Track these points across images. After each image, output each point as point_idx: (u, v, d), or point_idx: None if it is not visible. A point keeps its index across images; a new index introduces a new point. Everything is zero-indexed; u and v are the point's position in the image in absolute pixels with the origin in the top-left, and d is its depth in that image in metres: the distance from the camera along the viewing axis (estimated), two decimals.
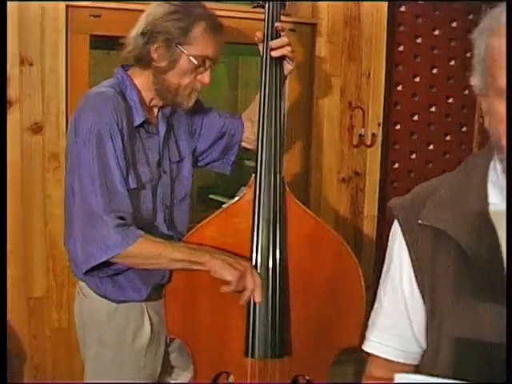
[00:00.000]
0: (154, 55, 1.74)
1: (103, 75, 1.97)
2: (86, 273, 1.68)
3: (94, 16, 2.23)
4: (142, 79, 1.80)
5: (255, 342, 1.77)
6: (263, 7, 1.88)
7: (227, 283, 1.69)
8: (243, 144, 2.09)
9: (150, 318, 1.85)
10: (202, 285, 1.78)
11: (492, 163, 1.11)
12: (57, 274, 2.29)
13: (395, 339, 1.20)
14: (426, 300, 1.13)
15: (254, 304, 1.76)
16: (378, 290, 1.25)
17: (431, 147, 2.93)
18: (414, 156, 2.91)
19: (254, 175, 1.81)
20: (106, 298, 1.81)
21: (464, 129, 2.96)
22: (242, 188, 1.87)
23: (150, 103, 1.83)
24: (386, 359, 1.21)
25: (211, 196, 3.47)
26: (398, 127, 2.86)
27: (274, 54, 1.81)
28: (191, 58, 1.72)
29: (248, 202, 1.79)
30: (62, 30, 2.18)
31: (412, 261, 1.14)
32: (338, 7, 2.55)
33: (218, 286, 1.72)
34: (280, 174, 1.79)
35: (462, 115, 2.94)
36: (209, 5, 2.16)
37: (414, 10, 2.78)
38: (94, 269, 1.67)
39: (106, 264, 1.67)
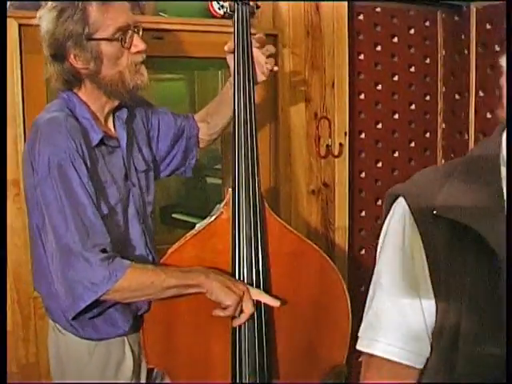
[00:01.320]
0: (78, 64, 1.58)
1: None
2: (74, 318, 1.54)
3: None
4: (86, 93, 1.65)
5: (242, 367, 1.67)
6: (231, 17, 1.77)
7: (223, 307, 1.58)
8: None
9: (131, 350, 1.72)
10: (181, 311, 1.67)
11: (502, 148, 1.02)
12: (22, 306, 2.12)
13: (404, 338, 1.06)
14: (439, 297, 1.02)
15: (240, 327, 1.66)
16: (374, 282, 1.13)
17: (396, 154, 2.88)
18: (379, 164, 2.86)
19: (229, 192, 1.71)
20: (87, 339, 1.66)
21: (427, 135, 2.92)
22: (218, 206, 1.76)
23: (104, 113, 1.69)
24: (390, 361, 1.06)
25: (174, 215, 3.34)
26: (362, 136, 2.80)
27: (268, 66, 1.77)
28: (109, 39, 1.56)
29: (226, 220, 1.70)
30: (15, 50, 2.03)
31: (426, 251, 1.03)
32: (299, 17, 2.49)
33: (199, 310, 1.63)
34: (259, 189, 1.70)
35: (424, 121, 2.90)
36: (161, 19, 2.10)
37: (371, 18, 2.73)
38: (79, 313, 1.53)
39: (92, 305, 1.52)
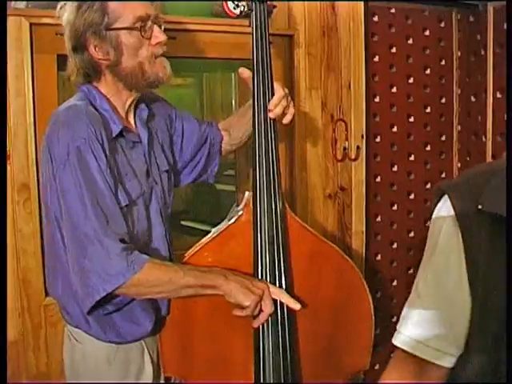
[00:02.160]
0: (98, 55, 1.55)
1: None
2: (89, 312, 1.47)
3: (61, 34, 1.97)
4: (106, 86, 1.61)
5: (266, 372, 1.59)
6: (247, 16, 1.70)
7: (242, 307, 1.51)
8: None
9: (151, 358, 1.64)
10: (198, 314, 1.60)
11: None
12: (33, 314, 2.03)
13: (432, 337, 1.03)
14: (475, 296, 0.99)
15: (263, 331, 1.59)
16: (416, 279, 1.10)
17: (412, 158, 2.81)
18: (395, 168, 2.77)
19: (249, 194, 1.65)
20: (108, 341, 1.58)
21: (443, 138, 2.84)
22: (235, 208, 1.69)
23: (125, 108, 1.64)
24: (418, 358, 1.04)
25: (183, 222, 3.26)
26: (377, 139, 2.72)
27: (271, 115, 1.66)
28: (129, 28, 1.53)
29: (246, 223, 1.63)
30: (26, 49, 1.95)
31: (466, 249, 0.99)
32: (314, 17, 2.42)
33: (217, 314, 1.56)
34: (279, 190, 1.63)
35: (440, 124, 2.83)
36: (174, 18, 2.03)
37: (386, 19, 2.66)
38: (94, 307, 1.45)
39: (108, 298, 1.46)
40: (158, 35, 1.56)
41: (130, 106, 1.64)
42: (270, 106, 1.64)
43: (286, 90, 1.70)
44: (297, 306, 1.58)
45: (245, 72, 1.70)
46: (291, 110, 1.71)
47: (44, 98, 2.00)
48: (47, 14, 1.93)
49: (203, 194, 1.99)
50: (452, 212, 1.01)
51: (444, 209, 1.04)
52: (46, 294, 2.01)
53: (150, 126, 1.70)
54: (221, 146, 1.93)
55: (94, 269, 1.41)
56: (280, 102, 1.65)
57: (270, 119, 1.65)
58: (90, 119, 1.48)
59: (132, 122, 1.66)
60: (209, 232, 1.70)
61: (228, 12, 2.17)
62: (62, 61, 2.04)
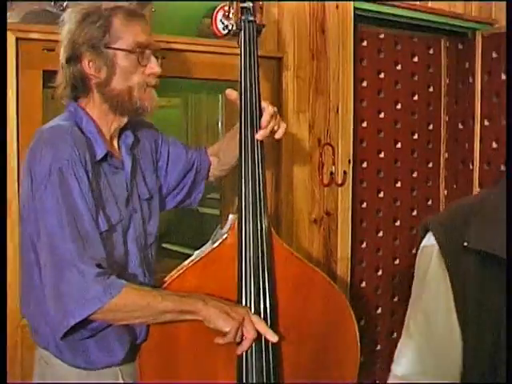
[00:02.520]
0: (90, 70, 1.57)
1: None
2: (63, 337, 1.46)
3: (48, 50, 2.01)
4: (92, 106, 1.62)
5: None
6: (235, 35, 1.74)
7: (223, 334, 1.52)
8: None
9: (124, 383, 1.63)
10: (180, 339, 1.60)
11: None
12: (8, 334, 2.01)
13: (425, 376, 1.05)
14: (467, 337, 0.99)
15: (247, 357, 1.61)
16: (407, 318, 1.11)
17: (398, 184, 2.88)
18: (381, 194, 2.84)
19: (233, 217, 1.67)
20: (76, 366, 1.58)
21: (430, 164, 2.91)
22: (219, 231, 1.71)
23: (110, 132, 1.65)
24: None
25: (164, 245, 3.28)
26: (364, 165, 2.79)
27: (261, 132, 1.69)
28: (126, 51, 1.56)
29: (230, 246, 1.64)
30: (11, 64, 1.98)
31: (453, 288, 1.00)
32: (304, 39, 2.47)
33: (200, 338, 1.57)
34: (266, 213, 1.65)
35: (427, 151, 2.90)
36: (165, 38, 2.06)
37: (375, 45, 2.74)
38: (68, 332, 1.45)
39: (83, 323, 1.45)
40: (154, 66, 1.60)
41: (115, 130, 1.66)
42: (262, 123, 1.68)
43: (275, 108, 1.73)
44: (274, 339, 1.59)
45: (232, 94, 1.73)
46: (282, 125, 1.75)
47: (28, 114, 2.01)
48: (35, 29, 1.97)
49: (185, 216, 2.01)
50: (437, 250, 1.02)
51: (429, 246, 1.04)
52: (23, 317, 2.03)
53: (134, 153, 1.72)
54: (208, 172, 1.96)
55: (70, 293, 1.42)
56: (271, 119, 1.69)
57: (257, 140, 1.68)
58: (74, 141, 1.49)
59: (116, 146, 1.68)
60: (190, 255, 1.72)
61: (216, 32, 2.21)
62: (47, 77, 2.09)
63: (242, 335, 1.56)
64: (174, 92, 2.96)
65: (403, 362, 1.08)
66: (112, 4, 1.58)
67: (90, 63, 1.56)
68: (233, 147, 1.82)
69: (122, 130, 1.69)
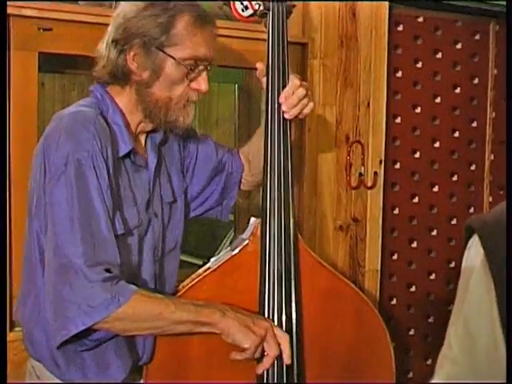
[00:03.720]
0: (133, 65, 1.59)
1: (57, 104, 1.81)
2: (60, 346, 1.49)
3: (44, 29, 2.07)
4: (124, 98, 1.65)
5: None
6: (263, 17, 1.75)
7: (241, 349, 1.55)
8: None
9: None
10: (192, 357, 1.63)
11: None
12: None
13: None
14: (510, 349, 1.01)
15: (267, 375, 1.64)
16: (449, 328, 1.12)
17: (435, 189, 2.89)
18: (415, 199, 2.85)
19: (255, 221, 1.71)
20: (69, 381, 1.60)
21: (473, 167, 2.92)
22: (240, 237, 1.75)
23: (136, 128, 1.69)
24: None
25: None
26: (397, 166, 2.81)
27: (288, 116, 1.70)
28: (178, 61, 1.58)
29: (252, 253, 1.68)
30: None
31: (498, 298, 1.01)
32: (332, 24, 2.51)
33: (214, 356, 1.60)
34: (293, 218, 1.68)
35: (469, 151, 2.91)
36: None
37: (412, 29, 2.76)
38: (67, 341, 1.47)
39: (85, 333, 1.48)
40: (202, 83, 1.62)
41: (143, 129, 1.70)
42: (282, 96, 1.69)
43: (305, 83, 1.74)
44: (287, 361, 1.61)
45: (259, 66, 1.74)
46: (310, 104, 1.74)
47: (22, 103, 2.05)
48: (29, 4, 2.00)
49: (192, 222, 2.02)
50: (482, 254, 1.03)
51: (474, 250, 1.05)
52: (11, 328, 2.06)
53: (160, 152, 1.75)
54: (241, 178, 1.97)
55: (73, 298, 1.44)
56: (294, 92, 1.69)
57: (286, 134, 1.70)
58: (97, 131, 1.51)
59: (142, 142, 1.72)
60: (199, 265, 1.74)
61: (236, 15, 2.23)
62: (44, 60, 2.12)
63: (263, 351, 1.59)
64: None
65: (441, 374, 1.09)
66: (183, 2, 1.59)
67: (135, 58, 1.58)
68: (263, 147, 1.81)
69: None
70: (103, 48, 1.62)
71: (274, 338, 1.58)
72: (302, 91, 1.70)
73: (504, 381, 1.04)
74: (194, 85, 1.61)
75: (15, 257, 1.99)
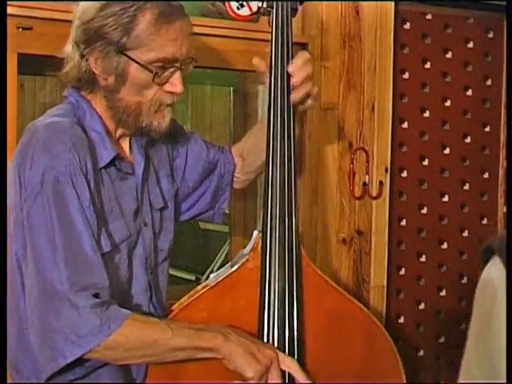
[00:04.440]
0: (96, 70, 1.59)
1: (37, 109, 1.81)
2: (49, 379, 1.48)
3: (24, 28, 2.06)
4: (99, 102, 1.65)
5: None
6: (264, 15, 1.77)
7: (242, 377, 1.54)
8: None
9: None
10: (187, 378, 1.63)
11: None
12: None
13: None
14: None
15: None
16: (465, 360, 1.15)
17: (445, 199, 2.90)
18: (424, 210, 2.87)
19: (257, 235, 1.71)
20: None
21: (486, 175, 2.94)
22: (240, 252, 1.78)
23: (116, 133, 1.69)
24: None
25: None
26: (404, 174, 2.82)
27: (294, 97, 1.71)
28: (144, 65, 1.56)
29: (252, 269, 1.69)
30: None
31: None
32: (334, 22, 2.53)
33: (213, 378, 1.60)
34: (296, 233, 1.70)
35: (482, 158, 2.92)
36: None
37: (420, 27, 2.78)
38: (56, 373, 1.47)
39: (74, 363, 1.47)
40: (176, 84, 1.60)
41: (123, 133, 1.70)
42: (291, 68, 1.70)
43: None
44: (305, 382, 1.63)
45: (261, 64, 1.75)
46: (315, 89, 1.76)
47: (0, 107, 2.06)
48: (9, 3, 1.99)
49: (185, 234, 2.02)
50: (503, 281, 1.05)
51: (496, 273, 1.08)
52: None
53: (147, 153, 1.76)
54: (233, 177, 1.99)
55: (59, 328, 1.44)
56: (303, 65, 1.71)
57: (290, 137, 1.71)
58: (73, 143, 1.51)
59: (126, 146, 1.72)
60: (190, 281, 1.75)
61: (231, 13, 2.25)
62: (24, 62, 2.13)
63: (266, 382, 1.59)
64: None
65: None
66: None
67: (97, 62, 1.57)
68: (260, 144, 1.82)
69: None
70: (69, 49, 1.62)
71: (277, 368, 1.58)
72: (310, 67, 1.72)
73: None
74: (167, 87, 1.60)
75: None
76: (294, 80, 1.70)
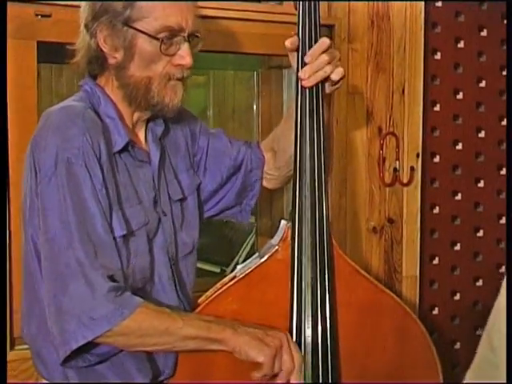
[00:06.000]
0: (105, 48, 1.65)
1: (57, 97, 1.86)
2: (64, 362, 1.54)
3: (42, 16, 2.13)
4: (112, 87, 1.72)
5: None
6: None
7: (258, 366, 1.57)
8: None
9: None
10: (216, 372, 1.67)
11: None
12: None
13: None
14: None
15: None
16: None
17: (481, 184, 2.92)
18: (458, 197, 2.88)
19: (286, 224, 1.74)
20: None
21: None
22: (270, 242, 1.79)
23: (132, 120, 1.74)
24: None
25: None
26: (436, 159, 2.83)
27: (306, 83, 1.72)
28: (150, 34, 1.61)
29: (282, 261, 1.71)
30: None
31: None
32: (361, 3, 2.55)
33: (240, 371, 1.61)
34: (326, 223, 1.72)
35: None
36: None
37: (453, 4, 2.78)
38: (70, 357, 1.53)
39: (88, 347, 1.54)
40: (185, 56, 1.65)
41: (138, 119, 1.75)
42: (307, 57, 1.70)
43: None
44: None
45: (293, 41, 1.75)
46: (339, 70, 1.73)
47: (20, 96, 2.12)
48: None
49: (209, 225, 2.05)
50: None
51: None
52: (11, 347, 2.12)
53: (163, 145, 1.81)
54: (262, 174, 2.01)
55: (73, 310, 1.50)
56: (320, 52, 1.70)
57: (318, 121, 1.73)
58: (86, 125, 1.57)
59: (142, 135, 1.77)
60: (216, 273, 1.77)
61: None
62: (43, 50, 2.17)
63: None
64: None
65: None
66: None
67: (106, 39, 1.64)
68: (288, 134, 1.84)
69: (149, 118, 1.78)
70: (80, 37, 1.69)
71: (289, 350, 1.61)
72: (327, 56, 1.70)
73: None
74: (176, 60, 1.65)
75: (15, 268, 2.06)
76: (306, 68, 1.70)
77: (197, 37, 1.69)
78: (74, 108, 1.62)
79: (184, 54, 1.65)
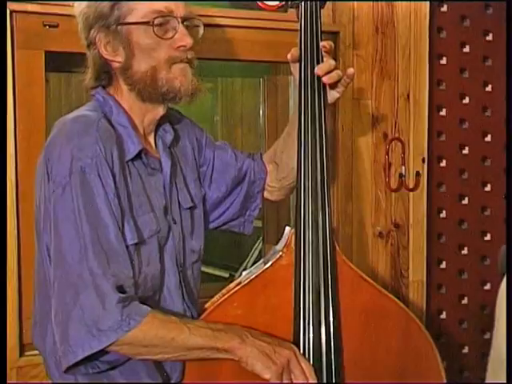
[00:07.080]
0: (107, 54, 1.73)
1: (65, 107, 1.91)
2: (68, 370, 1.59)
3: (50, 26, 2.19)
4: (122, 96, 1.78)
5: None
6: (296, 6, 1.85)
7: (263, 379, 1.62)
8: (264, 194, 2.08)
9: None
10: (226, 373, 1.69)
11: None
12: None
13: None
14: None
15: None
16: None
17: (487, 188, 2.95)
18: (465, 201, 2.92)
19: (290, 231, 1.79)
20: None
21: None
22: (274, 248, 1.84)
23: (144, 126, 1.80)
24: None
25: None
26: (442, 164, 2.88)
27: (327, 80, 1.78)
28: (141, 22, 1.69)
29: (286, 266, 1.76)
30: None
31: None
32: (366, 9, 2.60)
33: (247, 377, 1.65)
34: (329, 228, 1.76)
35: None
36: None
37: (459, 9, 2.82)
38: (78, 363, 1.57)
39: (98, 354, 1.58)
40: (183, 37, 1.70)
41: (150, 123, 1.81)
42: (318, 70, 1.77)
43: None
44: None
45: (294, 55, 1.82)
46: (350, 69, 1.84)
47: (28, 106, 2.17)
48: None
49: (217, 231, 2.09)
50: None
51: None
52: (21, 353, 2.17)
53: (173, 153, 1.87)
54: (264, 185, 2.07)
55: (83, 320, 1.54)
56: (331, 69, 1.78)
57: (321, 128, 1.78)
58: (100, 135, 1.62)
59: (152, 143, 1.83)
60: (225, 278, 1.81)
61: (261, 4, 2.33)
62: (51, 59, 2.22)
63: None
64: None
65: None
66: None
67: (106, 46, 1.72)
68: (290, 145, 1.91)
69: (158, 125, 1.84)
70: (87, 57, 1.78)
71: (298, 366, 1.65)
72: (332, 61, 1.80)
73: None
74: (175, 43, 1.71)
75: (25, 275, 2.12)
76: (321, 66, 1.78)
77: (195, 19, 1.77)
78: (89, 117, 1.67)
79: (181, 36, 1.71)
